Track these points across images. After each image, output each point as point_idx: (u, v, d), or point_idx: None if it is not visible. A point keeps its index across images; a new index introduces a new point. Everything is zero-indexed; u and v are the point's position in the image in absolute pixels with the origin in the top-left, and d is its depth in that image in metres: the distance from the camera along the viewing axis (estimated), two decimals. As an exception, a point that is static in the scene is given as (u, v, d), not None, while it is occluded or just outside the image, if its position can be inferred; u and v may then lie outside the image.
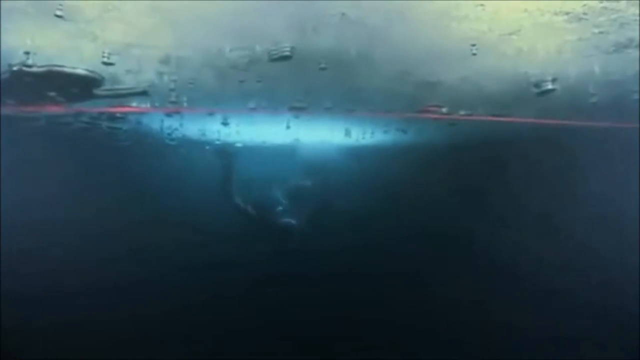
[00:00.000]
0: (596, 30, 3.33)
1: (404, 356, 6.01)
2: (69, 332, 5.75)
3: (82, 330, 5.80)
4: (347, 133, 5.73)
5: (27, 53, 3.41)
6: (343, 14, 2.81)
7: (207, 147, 6.30)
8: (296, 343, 6.14)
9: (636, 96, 4.57)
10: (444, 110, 4.91)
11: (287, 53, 3.19)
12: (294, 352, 6.08)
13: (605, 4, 3.01)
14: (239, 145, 5.95)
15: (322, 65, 3.48)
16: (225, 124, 5.04)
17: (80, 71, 3.63)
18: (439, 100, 4.72)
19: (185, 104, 4.37)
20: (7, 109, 4.53)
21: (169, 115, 4.81)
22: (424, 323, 6.20)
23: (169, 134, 5.88)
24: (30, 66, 3.46)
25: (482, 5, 2.89)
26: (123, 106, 4.45)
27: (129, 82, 4.01)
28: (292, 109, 4.51)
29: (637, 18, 3.25)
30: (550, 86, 4.20)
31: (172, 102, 4.30)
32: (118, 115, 4.83)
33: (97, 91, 4.08)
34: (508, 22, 3.19)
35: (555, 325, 6.09)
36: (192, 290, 6.53)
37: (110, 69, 3.68)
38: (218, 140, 5.99)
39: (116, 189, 6.70)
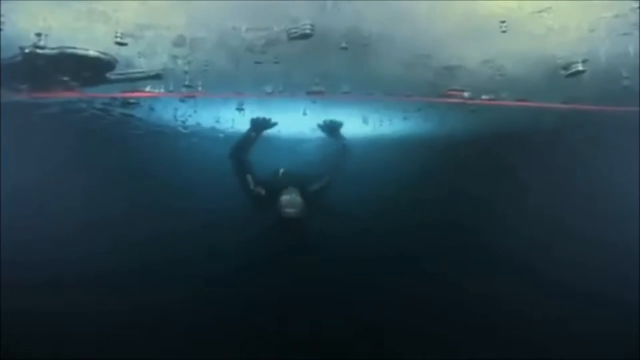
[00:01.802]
0: (635, 5, 3.11)
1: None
2: (77, 323, 5.74)
3: (91, 322, 5.78)
4: (365, 119, 5.57)
5: (38, 35, 3.32)
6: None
7: (221, 135, 6.19)
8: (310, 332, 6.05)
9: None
10: (466, 94, 4.73)
11: (308, 31, 3.05)
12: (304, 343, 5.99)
13: (649, -27, 2.81)
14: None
15: (343, 45, 3.34)
16: (240, 109, 4.92)
17: (92, 53, 3.53)
18: (462, 84, 4.54)
19: (200, 88, 4.25)
20: (20, 94, 4.46)
21: (182, 100, 4.70)
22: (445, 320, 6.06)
23: (184, 121, 5.79)
24: (42, 48, 3.37)
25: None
26: (137, 91, 4.34)
27: (142, 65, 3.90)
28: (310, 93, 4.36)
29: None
30: (580, 67, 3.99)
31: (187, 86, 4.19)
32: (132, 100, 4.73)
33: (109, 75, 3.98)
34: (540, -3, 3.02)
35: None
36: (208, 279, 6.47)
37: (123, 51, 3.58)
38: (232, 128, 5.86)
39: (129, 178, 6.65)
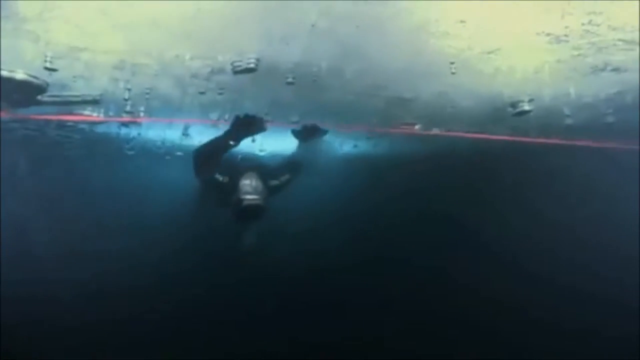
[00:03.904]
0: (575, 53, 3.27)
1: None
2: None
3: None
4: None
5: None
6: (313, 25, 2.57)
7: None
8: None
9: (609, 119, 4.55)
10: (417, 127, 4.76)
11: (252, 65, 2.92)
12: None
13: (586, 27, 2.92)
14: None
15: (290, 80, 3.23)
16: (185, 134, 4.70)
17: (19, 76, 3.25)
18: (412, 117, 4.56)
19: (141, 114, 4.02)
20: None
21: (125, 125, 4.44)
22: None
23: (127, 143, 5.50)
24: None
25: (463, 22, 2.71)
26: (71, 114, 4.06)
27: (78, 89, 3.65)
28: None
29: (616, 43, 3.19)
30: (526, 107, 4.11)
31: (127, 112, 3.95)
32: (68, 123, 4.43)
33: (42, 97, 3.69)
34: (488, 40, 3.05)
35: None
36: (163, 297, 6.19)
37: (55, 74, 3.33)
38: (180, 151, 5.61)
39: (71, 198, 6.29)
